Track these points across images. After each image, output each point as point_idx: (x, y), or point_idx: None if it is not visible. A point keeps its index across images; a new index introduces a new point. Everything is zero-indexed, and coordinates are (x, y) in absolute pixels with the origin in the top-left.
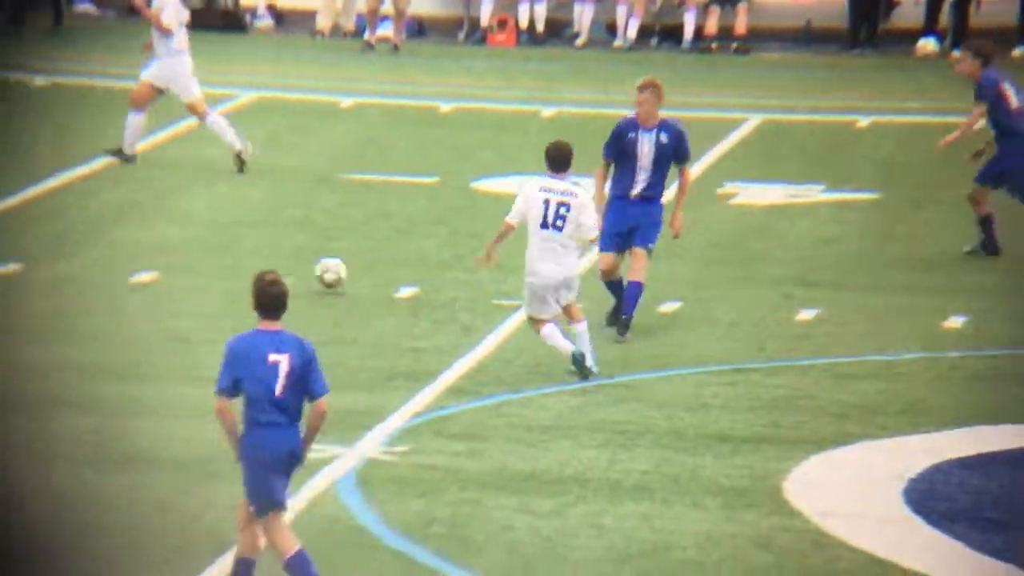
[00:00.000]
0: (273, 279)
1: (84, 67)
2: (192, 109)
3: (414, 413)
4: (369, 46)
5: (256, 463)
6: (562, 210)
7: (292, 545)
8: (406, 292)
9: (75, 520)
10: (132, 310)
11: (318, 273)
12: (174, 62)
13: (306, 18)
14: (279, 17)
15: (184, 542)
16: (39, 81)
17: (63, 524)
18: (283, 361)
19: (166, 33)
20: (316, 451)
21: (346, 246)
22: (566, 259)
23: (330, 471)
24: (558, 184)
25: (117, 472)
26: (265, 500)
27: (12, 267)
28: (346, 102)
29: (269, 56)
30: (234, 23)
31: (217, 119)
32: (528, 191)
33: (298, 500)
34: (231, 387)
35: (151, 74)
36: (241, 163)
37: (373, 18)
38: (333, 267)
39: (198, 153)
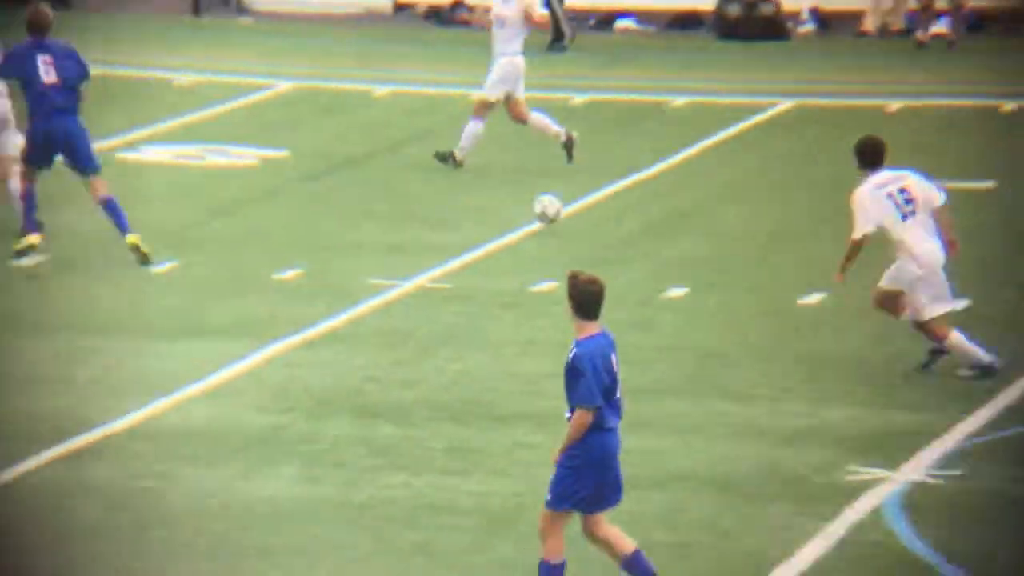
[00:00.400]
0: (591, 278)
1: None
2: (481, 104)
3: (968, 435)
4: (921, 44)
5: (601, 466)
6: (905, 195)
7: (560, 549)
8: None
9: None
10: (663, 325)
11: (537, 210)
12: (500, 61)
13: (851, 20)
14: (823, 21)
15: (723, 562)
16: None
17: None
18: (614, 361)
19: (532, 28)
20: (858, 473)
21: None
22: (935, 239)
23: (874, 494)
24: (884, 176)
25: (659, 490)
26: (580, 501)
27: (548, 285)
28: (893, 105)
29: (811, 62)
30: (776, 30)
31: (477, 125)
32: (866, 197)
33: (837, 524)
34: (602, 397)
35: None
36: (453, 160)
37: (926, 15)
38: (549, 203)
39: (724, 168)
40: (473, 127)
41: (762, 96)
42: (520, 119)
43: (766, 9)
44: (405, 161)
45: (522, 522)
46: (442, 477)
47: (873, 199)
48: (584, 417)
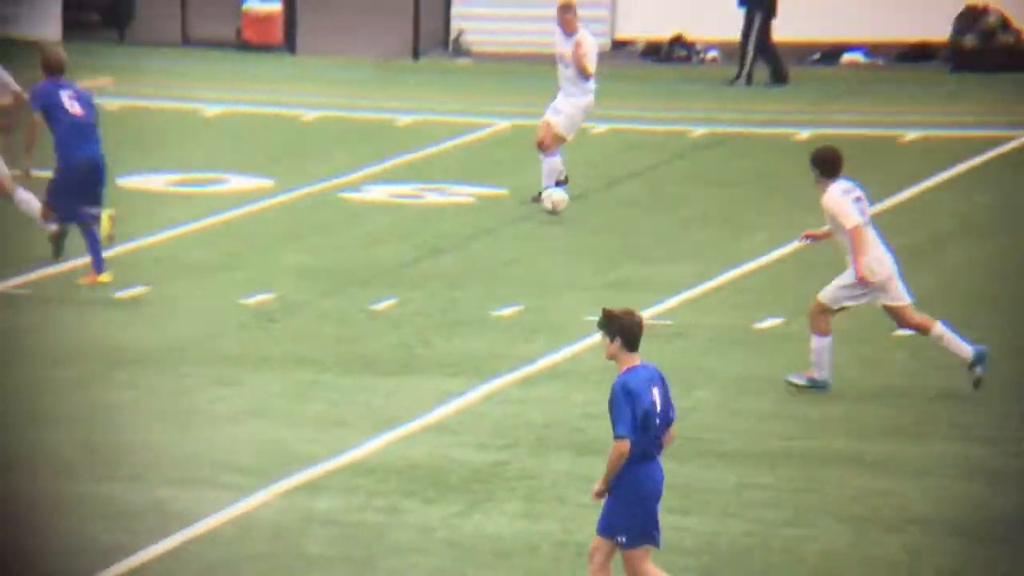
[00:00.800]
0: (629, 310)
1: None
2: (545, 141)
3: None
4: None
5: (648, 497)
6: (863, 204)
7: None
8: None
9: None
10: (894, 364)
11: (548, 206)
12: (579, 101)
13: None
14: None
15: None
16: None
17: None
18: (657, 393)
19: (585, 77)
20: None
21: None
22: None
23: None
24: (846, 184)
25: (897, 533)
26: (648, 533)
27: (772, 322)
28: None
29: None
30: (1016, 60)
31: (556, 162)
32: (842, 199)
33: None
34: (638, 427)
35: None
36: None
37: None
38: (547, 196)
39: (959, 203)
40: (555, 167)
41: (1000, 129)
42: (544, 146)
43: (1005, 39)
44: (622, 198)
45: (750, 563)
46: (664, 516)
47: (848, 203)
48: (619, 448)
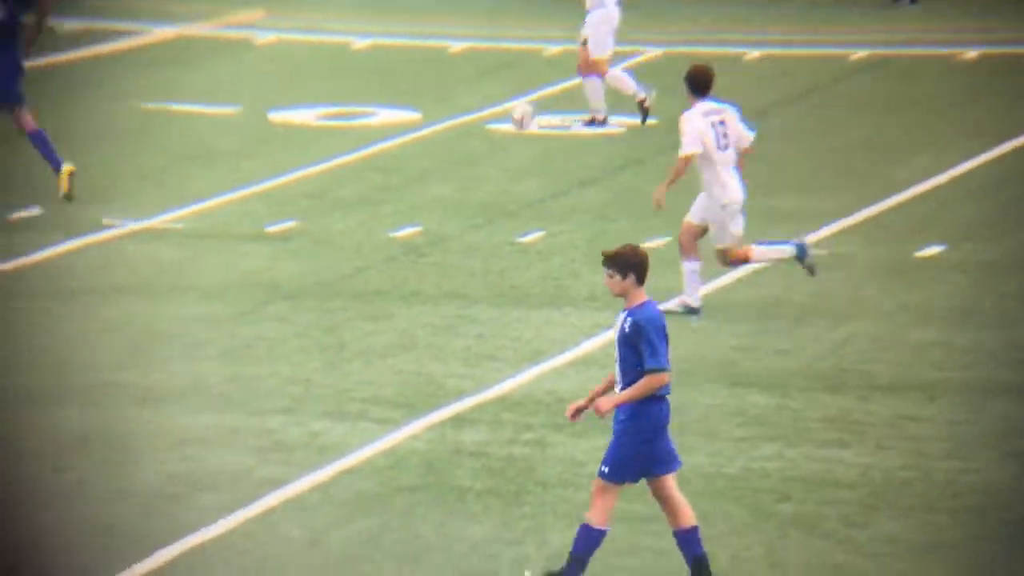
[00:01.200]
0: (636, 246)
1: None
2: (595, 66)
3: None
4: None
5: (656, 431)
6: (723, 128)
7: (605, 520)
8: None
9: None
10: None
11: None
12: (599, 14)
13: None
14: None
15: None
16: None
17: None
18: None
19: None
20: None
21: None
22: (739, 177)
23: None
24: (710, 105)
25: None
26: (640, 469)
27: (933, 250)
28: None
29: None
30: None
31: (617, 74)
32: (696, 121)
33: None
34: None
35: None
36: (644, 112)
37: None
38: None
39: None
40: (621, 79)
41: None
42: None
43: None
44: (777, 125)
45: (908, 497)
46: (819, 448)
47: (702, 124)
48: (659, 379)
